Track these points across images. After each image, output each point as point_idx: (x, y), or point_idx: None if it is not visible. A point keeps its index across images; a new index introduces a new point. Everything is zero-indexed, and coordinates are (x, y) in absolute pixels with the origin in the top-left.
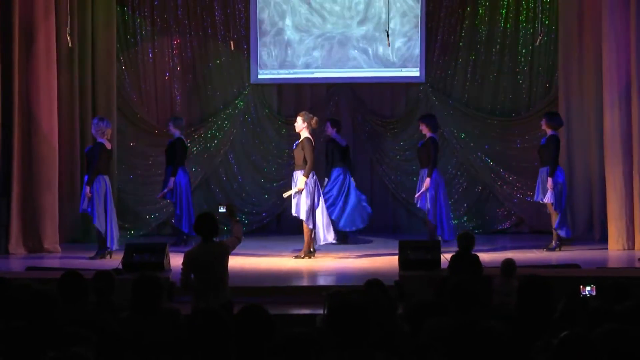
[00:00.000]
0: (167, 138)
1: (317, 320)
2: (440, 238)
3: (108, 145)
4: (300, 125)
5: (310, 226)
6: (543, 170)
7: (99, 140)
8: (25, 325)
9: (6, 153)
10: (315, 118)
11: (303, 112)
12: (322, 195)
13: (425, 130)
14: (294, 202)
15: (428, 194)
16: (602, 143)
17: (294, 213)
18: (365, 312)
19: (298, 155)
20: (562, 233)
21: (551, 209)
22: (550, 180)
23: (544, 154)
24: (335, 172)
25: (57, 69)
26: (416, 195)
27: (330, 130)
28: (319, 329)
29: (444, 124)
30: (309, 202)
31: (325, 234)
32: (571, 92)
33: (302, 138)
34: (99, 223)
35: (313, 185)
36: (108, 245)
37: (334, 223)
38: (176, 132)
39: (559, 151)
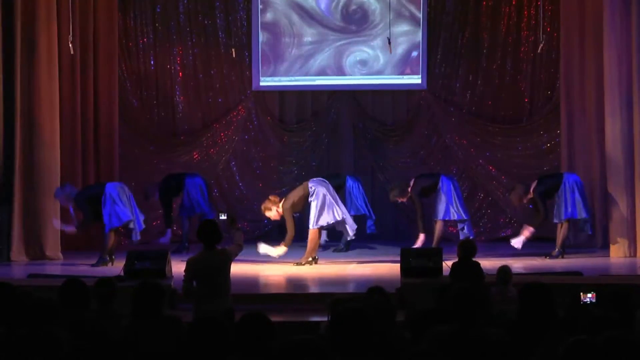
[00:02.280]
0: (168, 145)
1: (321, 327)
2: (466, 235)
3: (74, 190)
4: (274, 213)
5: (330, 220)
6: (560, 192)
7: (75, 199)
8: (27, 333)
9: (8, 160)
10: (274, 196)
11: (263, 204)
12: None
13: (401, 199)
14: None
15: (456, 200)
16: (603, 150)
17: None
18: (369, 320)
19: (295, 208)
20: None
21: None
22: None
23: (536, 217)
24: (351, 179)
25: (59, 76)
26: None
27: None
28: (323, 335)
29: (445, 131)
30: (319, 209)
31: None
32: (573, 99)
33: (284, 213)
34: (126, 217)
35: (325, 188)
36: (134, 237)
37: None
38: (155, 196)
39: (548, 196)
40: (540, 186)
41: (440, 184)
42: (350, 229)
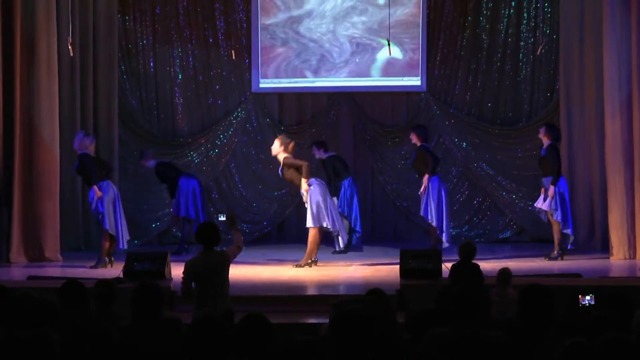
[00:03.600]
0: (169, 146)
1: (321, 328)
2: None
3: (89, 142)
4: (277, 149)
5: (328, 224)
6: (547, 180)
7: (83, 151)
8: (21, 334)
9: (8, 162)
10: (292, 143)
11: (281, 135)
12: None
13: (415, 139)
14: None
15: (432, 202)
16: (603, 151)
17: (308, 225)
18: (370, 322)
19: (290, 176)
20: (570, 238)
21: (551, 218)
22: (552, 188)
23: (545, 164)
24: (349, 182)
25: (59, 78)
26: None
27: (319, 153)
28: (323, 337)
29: (445, 132)
30: (316, 206)
31: (343, 240)
32: (572, 101)
33: (282, 161)
34: (110, 227)
35: (323, 191)
36: (120, 245)
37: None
38: (151, 163)
39: (560, 160)
40: (554, 150)
41: (430, 180)
42: (342, 241)
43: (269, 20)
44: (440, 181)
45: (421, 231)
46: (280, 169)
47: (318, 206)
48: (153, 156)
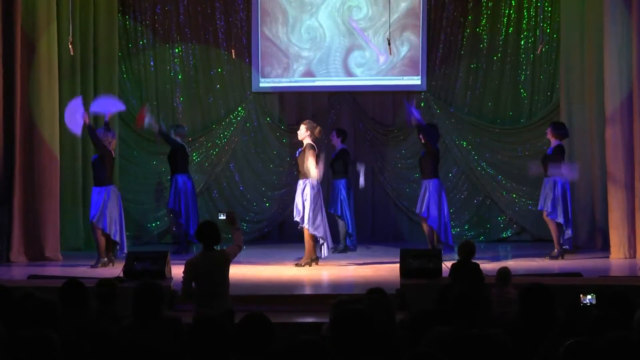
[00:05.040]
0: (168, 146)
1: (322, 328)
2: (443, 245)
3: (112, 154)
4: (303, 134)
5: (319, 234)
6: (549, 180)
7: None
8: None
9: (8, 161)
10: (318, 127)
11: (307, 121)
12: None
13: (425, 140)
14: (298, 208)
15: (432, 203)
16: (603, 151)
17: (296, 218)
18: (370, 322)
19: (302, 162)
20: (567, 242)
21: (546, 217)
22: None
23: (550, 164)
24: (344, 183)
25: (59, 78)
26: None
27: (336, 140)
28: (324, 336)
29: (445, 132)
30: (313, 211)
31: (328, 248)
32: (573, 100)
33: (304, 145)
34: (110, 230)
35: (320, 197)
36: (125, 250)
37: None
38: (178, 139)
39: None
40: (560, 151)
41: (430, 181)
42: (327, 248)
43: (269, 19)
44: (440, 184)
45: (422, 230)
46: (299, 151)
47: (315, 213)
48: (184, 137)
